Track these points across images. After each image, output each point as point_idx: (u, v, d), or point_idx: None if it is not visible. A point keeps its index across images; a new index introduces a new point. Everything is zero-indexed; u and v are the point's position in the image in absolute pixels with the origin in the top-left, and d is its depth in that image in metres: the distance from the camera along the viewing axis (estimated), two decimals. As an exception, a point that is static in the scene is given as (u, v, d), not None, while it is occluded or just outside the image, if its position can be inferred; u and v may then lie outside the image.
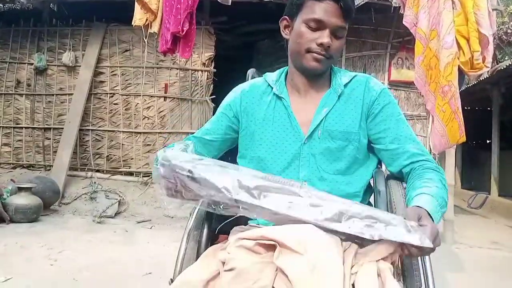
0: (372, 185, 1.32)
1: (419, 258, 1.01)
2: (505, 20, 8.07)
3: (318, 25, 1.16)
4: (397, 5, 3.74)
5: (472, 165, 8.44)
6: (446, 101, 2.64)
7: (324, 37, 1.15)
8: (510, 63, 5.71)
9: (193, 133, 5.01)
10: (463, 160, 8.49)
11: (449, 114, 2.65)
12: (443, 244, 3.92)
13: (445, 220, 4.15)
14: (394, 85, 5.33)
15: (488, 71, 2.98)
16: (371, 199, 1.33)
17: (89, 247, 3.51)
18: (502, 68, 5.68)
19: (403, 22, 3.01)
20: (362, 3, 4.43)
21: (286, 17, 1.26)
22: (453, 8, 2.65)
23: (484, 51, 2.71)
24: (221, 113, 1.35)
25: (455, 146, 3.79)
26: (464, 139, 2.77)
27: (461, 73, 2.74)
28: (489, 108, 7.90)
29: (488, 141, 8.14)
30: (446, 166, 4.29)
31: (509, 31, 7.87)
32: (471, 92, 7.04)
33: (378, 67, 5.37)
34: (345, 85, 1.25)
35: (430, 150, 3.24)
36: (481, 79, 5.86)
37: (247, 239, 0.89)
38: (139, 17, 4.21)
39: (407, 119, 1.29)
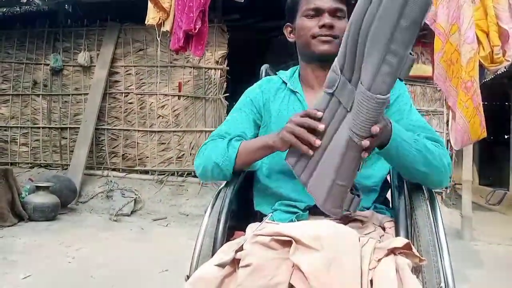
0: (389, 181, 1.30)
1: (437, 254, 0.99)
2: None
3: (316, 12, 1.21)
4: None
5: (490, 161, 8.30)
6: (469, 97, 2.60)
7: (324, 19, 1.19)
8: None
9: (209, 131, 5.00)
10: (481, 156, 8.34)
11: (472, 110, 2.61)
12: (461, 241, 3.90)
13: (463, 217, 4.10)
14: (410, 80, 5.26)
15: (506, 66, 2.92)
16: (388, 195, 1.32)
17: (106, 245, 3.55)
18: (521, 61, 5.57)
19: None
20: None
21: (288, 23, 1.31)
22: (472, 2, 2.61)
23: (504, 45, 2.66)
24: (246, 109, 1.32)
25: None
26: (485, 134, 2.73)
27: (479, 67, 2.69)
28: (507, 103, 7.76)
29: (506, 137, 7.99)
30: (464, 163, 4.22)
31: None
32: (488, 86, 6.89)
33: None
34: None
35: (449, 145, 3.18)
36: (498, 73, 5.75)
37: (263, 235, 0.89)
38: (152, 16, 4.23)
39: (423, 115, 1.27)
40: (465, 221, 4.07)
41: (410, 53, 0.81)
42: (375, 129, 0.87)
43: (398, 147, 1.01)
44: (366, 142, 0.88)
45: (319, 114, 0.96)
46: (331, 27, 1.18)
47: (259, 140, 1.18)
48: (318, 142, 0.96)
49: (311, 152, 0.98)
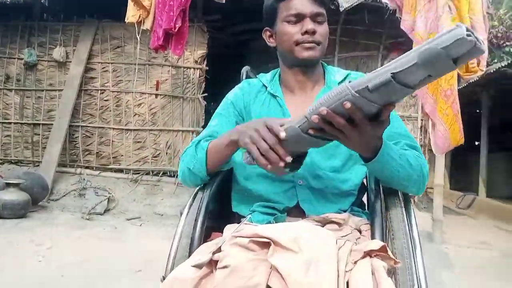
0: (366, 184, 1.32)
1: (411, 257, 1.02)
2: (495, 24, 8.15)
3: (297, 18, 1.21)
4: (392, 9, 3.75)
5: (461, 167, 8.53)
6: (449, 105, 2.67)
7: (306, 24, 1.19)
8: (500, 66, 5.77)
9: (186, 131, 4.97)
10: (452, 162, 8.56)
11: (451, 117, 2.68)
12: (432, 244, 3.98)
13: (434, 220, 4.19)
14: None
15: (479, 75, 3.00)
16: (364, 198, 1.34)
17: (78, 244, 3.48)
18: (492, 71, 5.74)
19: (401, 27, 3.03)
20: (356, 3, 4.44)
21: (267, 28, 1.31)
22: (450, 13, 2.68)
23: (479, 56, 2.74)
24: (227, 112, 1.31)
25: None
26: (463, 140, 2.80)
27: (455, 76, 2.77)
28: (478, 111, 7.99)
29: (477, 143, 8.22)
30: (436, 167, 4.32)
31: (499, 34, 7.94)
32: (461, 94, 7.10)
33: (370, 67, 5.39)
34: (339, 83, 1.26)
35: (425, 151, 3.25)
36: (470, 81, 5.92)
37: (241, 236, 0.89)
38: (132, 13, 4.18)
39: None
40: (436, 225, 4.17)
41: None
42: (347, 105, 0.83)
43: (384, 163, 1.03)
44: (315, 117, 0.87)
45: (282, 135, 0.94)
46: (313, 33, 1.19)
47: (225, 136, 1.14)
48: (273, 165, 0.96)
49: (269, 167, 0.96)
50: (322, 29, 1.21)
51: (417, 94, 2.96)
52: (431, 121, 2.84)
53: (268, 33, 1.31)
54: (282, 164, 0.95)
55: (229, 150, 1.13)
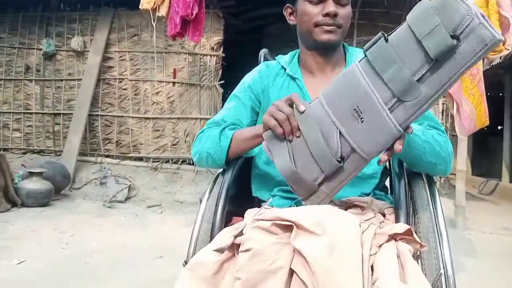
0: (388, 167, 1.30)
1: (437, 241, 0.99)
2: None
3: None
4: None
5: (483, 152, 8.35)
6: (475, 84, 2.59)
7: (328, 7, 1.15)
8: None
9: (203, 119, 4.98)
10: (474, 147, 8.39)
11: (478, 97, 2.61)
12: (454, 230, 3.93)
13: (456, 206, 4.12)
14: None
15: (502, 56, 2.91)
16: (387, 183, 1.31)
17: (100, 231, 3.54)
18: (517, 52, 5.57)
19: None
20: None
21: (288, 4, 1.26)
22: (474, -11, 2.59)
23: (505, 34, 2.64)
24: (245, 95, 1.30)
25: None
26: (488, 122, 2.72)
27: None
28: (501, 94, 7.79)
29: (499, 127, 8.04)
30: (458, 153, 4.23)
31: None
32: (483, 77, 6.93)
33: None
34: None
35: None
36: (493, 64, 5.77)
37: (263, 220, 0.88)
38: (147, 0, 4.16)
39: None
40: (459, 211, 4.10)
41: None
42: (398, 148, 0.86)
43: (409, 141, 1.01)
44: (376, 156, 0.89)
45: (301, 108, 0.93)
46: (335, 15, 1.15)
47: (252, 129, 1.16)
48: (296, 132, 0.94)
49: (290, 137, 0.95)
50: (345, 12, 1.17)
51: None
52: (456, 103, 2.76)
53: (289, 10, 1.27)
54: (298, 134, 0.94)
55: (252, 143, 1.14)
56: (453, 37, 0.75)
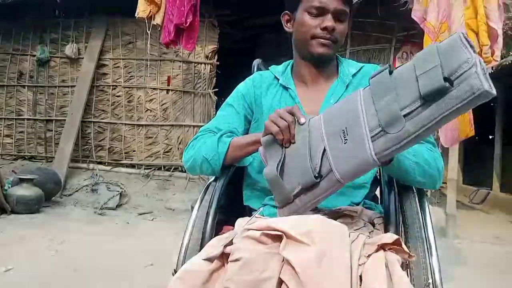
0: (379, 177, 1.31)
1: (426, 251, 1.00)
2: (511, 14, 7.99)
3: (319, 11, 1.17)
4: (404, 0, 3.70)
5: (474, 161, 8.41)
6: None
7: (327, 21, 1.16)
8: (515, 58, 5.67)
9: (197, 126, 4.97)
10: (465, 156, 8.46)
11: None
12: (445, 239, 3.94)
13: (447, 215, 4.15)
14: None
15: (493, 66, 2.95)
16: (377, 192, 1.32)
17: (90, 239, 3.51)
18: (507, 62, 5.64)
19: (412, 17, 2.98)
20: (367, -4, 4.39)
21: (286, 12, 1.27)
22: (463, 2, 2.63)
23: (493, 45, 2.69)
24: (238, 104, 1.31)
25: (457, 141, 3.76)
26: (473, 132, 2.75)
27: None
28: (492, 104, 7.86)
29: (490, 137, 8.11)
30: (449, 162, 4.27)
31: (514, 26, 7.79)
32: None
33: (382, 61, 5.33)
34: (353, 75, 1.24)
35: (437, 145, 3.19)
36: (485, 74, 5.83)
37: (253, 229, 0.88)
38: (142, 8, 4.19)
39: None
40: (449, 220, 4.12)
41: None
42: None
43: (399, 164, 1.03)
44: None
45: (302, 120, 0.97)
46: (332, 30, 1.17)
47: (251, 135, 1.18)
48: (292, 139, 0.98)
49: (286, 144, 0.98)
50: (342, 28, 1.19)
51: None
52: None
53: (287, 17, 1.28)
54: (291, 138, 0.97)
55: (250, 149, 1.15)
56: (446, 79, 0.75)
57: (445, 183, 4.38)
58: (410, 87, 0.80)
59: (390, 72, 0.84)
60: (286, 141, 0.97)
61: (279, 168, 0.97)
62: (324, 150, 0.90)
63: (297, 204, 0.97)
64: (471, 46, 0.77)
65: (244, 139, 1.19)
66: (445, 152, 4.63)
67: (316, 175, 0.91)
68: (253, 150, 1.15)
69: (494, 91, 0.74)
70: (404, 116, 0.80)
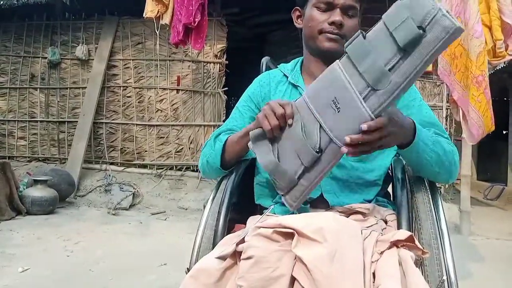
0: (391, 174, 1.30)
1: (440, 247, 0.99)
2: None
3: (328, 6, 1.18)
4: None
5: (488, 156, 8.31)
6: (481, 91, 2.59)
7: (335, 15, 1.16)
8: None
9: (207, 125, 5.00)
10: (479, 151, 8.36)
11: (484, 104, 2.61)
12: (459, 235, 3.90)
13: (461, 212, 4.10)
14: None
15: (506, 61, 2.91)
16: (390, 189, 1.31)
17: (104, 239, 3.54)
18: (520, 57, 5.56)
19: None
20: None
21: (297, 7, 1.28)
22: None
23: (507, 39, 2.65)
24: (243, 106, 1.33)
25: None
26: (493, 127, 2.72)
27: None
28: (505, 98, 7.76)
29: (504, 132, 8.00)
30: (463, 157, 4.22)
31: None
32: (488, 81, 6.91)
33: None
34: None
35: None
36: (497, 68, 5.76)
37: (265, 227, 0.88)
38: (150, 8, 4.20)
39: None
40: (464, 216, 4.07)
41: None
42: (364, 126, 0.87)
43: (418, 150, 1.03)
44: (344, 150, 0.90)
45: (290, 122, 0.99)
46: (340, 25, 1.16)
47: (244, 129, 1.18)
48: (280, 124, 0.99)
49: (276, 133, 1.00)
50: (351, 23, 1.18)
51: (445, 81, 2.85)
52: (461, 110, 2.75)
53: (297, 13, 1.29)
54: (289, 122, 0.98)
55: (245, 140, 1.14)
56: (419, 27, 0.82)
57: (459, 179, 4.34)
58: (387, 43, 0.86)
59: (364, 37, 0.90)
60: (276, 128, 0.99)
61: (275, 155, 1.00)
62: (320, 126, 0.93)
63: (303, 184, 0.99)
64: None
65: (238, 133, 1.20)
66: (458, 148, 4.59)
67: (317, 150, 0.93)
68: (247, 140, 1.14)
69: (463, 26, 0.85)
70: (389, 70, 0.85)
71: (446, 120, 5.27)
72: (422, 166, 1.08)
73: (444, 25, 0.81)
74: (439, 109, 5.32)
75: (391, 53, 0.86)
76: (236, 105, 1.36)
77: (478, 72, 2.59)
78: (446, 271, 0.96)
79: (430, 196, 1.11)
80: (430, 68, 5.18)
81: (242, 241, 0.89)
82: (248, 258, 0.84)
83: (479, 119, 2.64)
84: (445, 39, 0.82)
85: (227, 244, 0.97)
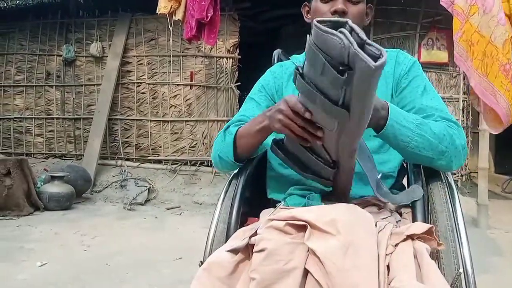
0: (406, 167, 1.28)
1: (456, 240, 0.97)
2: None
3: None
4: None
5: (507, 149, 8.15)
6: (509, 80, 2.53)
7: (336, 4, 1.15)
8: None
9: (221, 120, 5.00)
10: (497, 144, 8.21)
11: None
12: (477, 229, 3.84)
13: (479, 205, 4.04)
14: (425, 66, 5.03)
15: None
16: (404, 181, 1.30)
17: (120, 234, 3.59)
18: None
19: (440, 3, 2.89)
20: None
21: (306, 3, 1.28)
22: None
23: None
24: (259, 96, 1.30)
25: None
26: None
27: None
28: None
29: (523, 123, 7.84)
30: (480, 150, 4.16)
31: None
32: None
33: (407, 48, 5.20)
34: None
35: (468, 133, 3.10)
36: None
37: (277, 220, 0.87)
38: (163, 5, 4.21)
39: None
40: (481, 209, 4.01)
41: None
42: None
43: (395, 132, 0.99)
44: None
45: (307, 115, 0.91)
46: (343, 13, 1.14)
47: (255, 122, 1.11)
48: (319, 134, 0.92)
49: (310, 142, 0.95)
50: (355, 10, 1.16)
51: (461, 67, 2.78)
52: (482, 101, 2.68)
53: (306, 8, 1.29)
54: (320, 134, 0.92)
55: (261, 136, 1.12)
56: (342, 67, 0.74)
57: (476, 172, 4.27)
58: (323, 82, 0.80)
59: (302, 77, 0.84)
60: (309, 140, 0.95)
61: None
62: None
63: (346, 141, 0.91)
64: (333, 21, 0.77)
65: (250, 126, 1.13)
66: (475, 140, 4.51)
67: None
68: (264, 137, 1.12)
69: (383, 59, 0.70)
70: (342, 104, 0.80)
71: (463, 112, 5.19)
72: (407, 151, 1.03)
73: (360, 67, 0.71)
74: (456, 101, 5.23)
75: (334, 90, 0.79)
76: (249, 95, 1.33)
77: (505, 60, 2.53)
78: (462, 264, 0.94)
79: (446, 188, 1.09)
80: (446, 59, 5.11)
81: (255, 234, 0.89)
82: (261, 250, 0.83)
83: (508, 109, 2.57)
84: (374, 70, 0.71)
85: (239, 237, 0.97)
